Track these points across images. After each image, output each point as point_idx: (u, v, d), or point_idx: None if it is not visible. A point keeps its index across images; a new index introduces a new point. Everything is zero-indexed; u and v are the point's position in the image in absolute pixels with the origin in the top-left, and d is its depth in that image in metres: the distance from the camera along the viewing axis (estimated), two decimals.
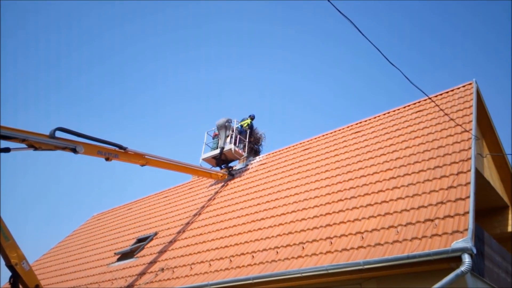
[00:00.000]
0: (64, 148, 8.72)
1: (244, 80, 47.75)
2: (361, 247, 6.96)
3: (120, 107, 47.81)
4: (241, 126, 14.81)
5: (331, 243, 7.53)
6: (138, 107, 48.11)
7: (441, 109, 9.72)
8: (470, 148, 8.08)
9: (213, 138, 14.95)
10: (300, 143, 13.44)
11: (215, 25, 46.38)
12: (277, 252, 8.15)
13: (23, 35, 41.34)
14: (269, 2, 43.19)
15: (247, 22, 46.46)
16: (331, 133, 12.89)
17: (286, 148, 13.71)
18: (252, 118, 15.31)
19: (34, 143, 8.13)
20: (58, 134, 8.54)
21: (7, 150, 7.77)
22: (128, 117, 47.80)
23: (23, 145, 8.03)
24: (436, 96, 11.08)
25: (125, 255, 12.54)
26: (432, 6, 40.82)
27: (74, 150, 8.83)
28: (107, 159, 9.62)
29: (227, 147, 13.96)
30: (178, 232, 11.95)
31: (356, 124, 12.43)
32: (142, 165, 10.72)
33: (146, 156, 10.67)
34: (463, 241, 5.78)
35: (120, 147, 9.93)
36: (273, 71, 47.12)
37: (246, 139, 14.68)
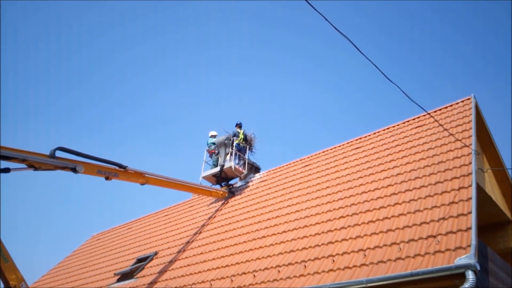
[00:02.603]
0: (64, 168, 8.70)
1: (245, 89, 47.39)
2: (364, 264, 6.89)
3: (116, 122, 47.38)
4: (239, 144, 14.71)
5: (333, 261, 7.46)
6: (136, 122, 47.69)
7: (441, 125, 9.75)
8: (470, 163, 8.08)
9: (210, 156, 14.83)
10: (300, 160, 13.45)
11: (214, 28, 45.79)
12: (279, 271, 8.05)
13: (13, 48, 40.88)
14: (273, 3, 43.01)
15: (248, 24, 46.16)
16: (331, 149, 12.91)
17: (287, 165, 13.70)
18: (239, 126, 15.04)
19: (34, 163, 8.12)
20: (58, 153, 8.54)
21: (7, 170, 7.76)
22: (124, 132, 47.49)
23: (23, 165, 8.02)
24: (435, 112, 11.15)
25: (125, 276, 12.39)
26: (433, 8, 41.09)
27: (74, 170, 8.81)
28: (107, 178, 9.59)
29: (227, 165, 13.93)
30: (179, 252, 11.83)
31: (356, 140, 12.46)
32: (142, 184, 10.67)
33: (146, 175, 10.63)
34: (467, 258, 5.72)
35: (120, 166, 9.91)
36: (274, 79, 46.94)
37: (245, 156, 14.65)
